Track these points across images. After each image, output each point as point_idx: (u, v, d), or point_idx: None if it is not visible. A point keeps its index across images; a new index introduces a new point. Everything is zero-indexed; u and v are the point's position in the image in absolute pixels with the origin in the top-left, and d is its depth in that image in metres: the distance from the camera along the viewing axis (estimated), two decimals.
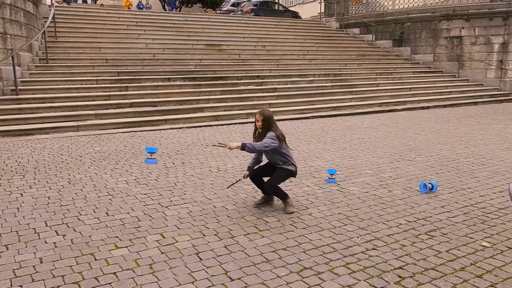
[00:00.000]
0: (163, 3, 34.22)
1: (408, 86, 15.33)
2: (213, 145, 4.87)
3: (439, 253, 3.53)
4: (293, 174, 4.65)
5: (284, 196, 4.58)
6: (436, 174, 5.93)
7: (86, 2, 33.11)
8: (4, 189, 5.12)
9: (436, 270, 3.25)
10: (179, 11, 30.61)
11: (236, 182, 5.00)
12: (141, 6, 25.82)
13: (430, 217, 4.35)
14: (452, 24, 17.58)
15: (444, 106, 13.99)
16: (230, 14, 23.56)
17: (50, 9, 13.79)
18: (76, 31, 14.11)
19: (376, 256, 3.48)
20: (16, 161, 6.46)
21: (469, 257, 3.47)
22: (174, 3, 27.48)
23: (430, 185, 5.12)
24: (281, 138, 4.49)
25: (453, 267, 3.30)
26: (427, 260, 3.41)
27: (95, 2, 31.88)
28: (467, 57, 17.33)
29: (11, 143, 7.71)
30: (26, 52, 11.01)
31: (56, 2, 18.64)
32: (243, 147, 4.37)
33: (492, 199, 4.92)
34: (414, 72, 17.25)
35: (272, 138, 4.41)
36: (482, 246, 3.68)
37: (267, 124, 4.53)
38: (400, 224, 4.16)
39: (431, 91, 15.27)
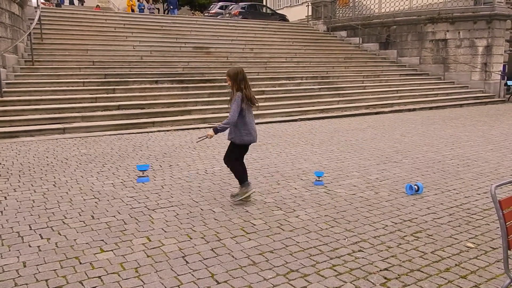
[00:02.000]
0: (165, 4, 33.19)
1: (394, 89, 15.49)
2: (197, 142, 4.91)
3: (424, 254, 3.57)
4: (244, 146, 4.57)
5: (241, 180, 4.57)
6: (422, 176, 5.99)
7: (73, 4, 32.79)
8: None
9: (421, 271, 3.28)
10: (167, 13, 30.37)
11: (205, 137, 4.69)
12: (142, 7, 25.34)
13: (416, 218, 4.39)
14: (437, 27, 17.81)
15: (430, 108, 14.16)
16: (218, 17, 23.59)
17: (36, 11, 13.63)
18: (62, 33, 13.97)
19: (362, 258, 3.50)
20: (0, 164, 6.36)
21: (454, 258, 3.51)
22: (176, 2, 26.43)
23: (416, 186, 5.17)
24: (245, 99, 4.38)
25: (438, 268, 3.34)
26: (412, 262, 3.44)
27: (82, 4, 31.58)
28: (452, 60, 17.58)
29: None
30: (11, 53, 10.87)
31: (42, 3, 18.43)
32: (216, 131, 4.39)
33: (476, 200, 4.98)
34: (401, 74, 17.43)
35: (236, 104, 4.32)
36: (467, 247, 3.73)
37: (234, 82, 4.40)
38: (386, 225, 4.19)
39: (417, 93, 15.45)
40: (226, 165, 4.74)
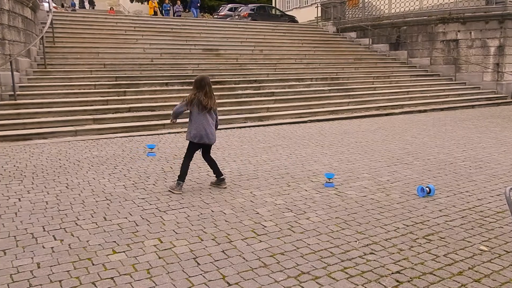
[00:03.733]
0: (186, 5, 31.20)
1: (405, 90, 15.38)
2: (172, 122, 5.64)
3: (436, 257, 3.54)
4: (192, 144, 5.25)
5: (180, 175, 5.23)
6: (433, 178, 5.94)
7: (84, 8, 33.13)
8: (2, 194, 5.11)
9: (434, 275, 3.26)
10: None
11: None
12: (168, 8, 24.95)
13: (428, 221, 4.35)
14: (448, 28, 17.66)
15: (441, 109, 14.03)
16: (227, 19, 23.62)
17: (48, 15, 13.82)
18: (74, 37, 14.12)
19: (374, 260, 3.49)
20: (14, 166, 6.45)
21: (467, 261, 3.48)
22: (197, 4, 24.94)
23: (427, 188, 5.13)
24: (191, 102, 5.10)
25: (451, 272, 3.31)
26: (425, 265, 3.42)
27: (93, 8, 31.90)
28: (464, 61, 17.41)
29: (9, 148, 7.70)
30: (24, 57, 11.02)
31: (54, 7, 18.66)
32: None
33: (489, 202, 4.93)
34: (411, 75, 17.31)
35: (180, 104, 5.23)
36: (480, 250, 3.69)
37: (193, 87, 5.20)
38: (398, 228, 4.16)
39: (428, 95, 15.33)
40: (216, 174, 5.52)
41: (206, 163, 5.56)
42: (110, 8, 28.85)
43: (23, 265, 3.34)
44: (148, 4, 25.46)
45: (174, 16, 25.04)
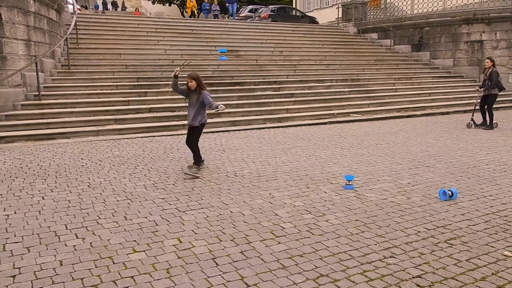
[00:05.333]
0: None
1: (427, 91, 15.13)
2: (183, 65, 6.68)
3: (459, 262, 3.47)
4: (204, 126, 6.28)
5: (198, 160, 6.16)
6: (456, 181, 5.83)
7: (107, 9, 33.64)
8: (27, 192, 5.23)
9: (456, 280, 3.19)
10: (197, 17, 29.97)
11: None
12: (207, 8, 24.50)
13: (450, 225, 4.27)
14: (472, 28, 17.32)
15: (465, 111, 13.73)
16: (247, 20, 23.67)
17: (72, 17, 14.10)
18: (97, 38, 14.38)
19: (394, 264, 3.44)
20: (38, 164, 6.60)
21: (490, 267, 3.40)
22: (235, 2, 22.99)
23: (449, 192, 5.03)
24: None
25: (473, 277, 3.24)
26: (446, 269, 3.35)
27: (116, 9, 32.36)
28: None
29: (34, 147, 7.88)
30: (49, 58, 11.27)
31: (78, 9, 19.04)
32: (208, 100, 6.03)
33: None
34: (434, 77, 17.02)
35: (210, 96, 6.01)
36: (504, 255, 3.60)
37: (200, 83, 6.04)
38: (419, 232, 4.10)
39: (451, 96, 15.06)
40: (188, 147, 6.37)
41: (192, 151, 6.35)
42: (136, 9, 29.09)
43: (46, 263, 3.42)
44: (185, 4, 25.10)
45: (212, 16, 24.48)
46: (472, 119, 10.64)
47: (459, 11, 17.87)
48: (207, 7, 24.31)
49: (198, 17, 26.20)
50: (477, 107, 10.80)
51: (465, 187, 5.54)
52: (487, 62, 10.67)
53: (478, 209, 4.74)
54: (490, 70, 10.49)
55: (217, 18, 24.01)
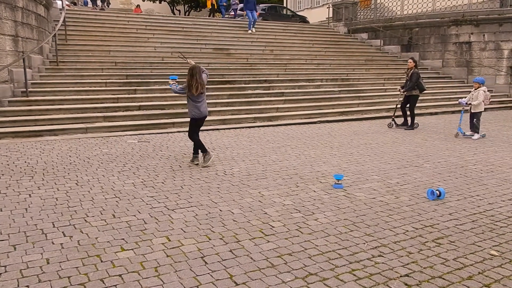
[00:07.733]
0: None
1: None
2: (179, 56, 6.79)
3: (446, 261, 3.50)
4: (195, 120, 6.47)
5: (203, 150, 6.43)
6: (444, 181, 5.88)
7: (97, 5, 33.19)
8: (13, 189, 5.16)
9: (443, 279, 3.23)
10: (188, 14, 29.46)
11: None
12: (224, 4, 23.42)
13: (438, 224, 4.31)
14: (461, 30, 17.49)
15: (453, 112, 13.89)
16: (238, 18, 23.60)
17: (61, 13, 13.93)
18: (86, 35, 14.22)
19: (382, 263, 3.46)
20: (25, 162, 6.52)
21: (477, 266, 3.44)
22: (254, 5, 18.93)
23: (437, 192, 5.08)
24: (188, 87, 6.25)
25: (460, 276, 3.27)
26: (434, 268, 3.38)
27: (108, 6, 31.90)
28: (476, 63, 17.22)
29: (21, 144, 7.78)
30: (37, 54, 11.13)
31: (67, 5, 18.81)
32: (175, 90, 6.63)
33: (501, 207, 4.87)
34: (423, 77, 17.13)
35: (181, 86, 6.48)
36: (490, 254, 3.65)
37: (188, 75, 6.29)
38: (407, 231, 4.13)
39: (439, 97, 15.19)
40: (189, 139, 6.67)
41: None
42: (137, 6, 28.37)
43: (33, 261, 3.37)
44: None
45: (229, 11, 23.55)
46: (393, 119, 10.69)
47: (448, 12, 18.03)
48: (224, 3, 23.68)
49: (219, 11, 25.47)
50: (399, 106, 10.76)
51: (452, 187, 5.60)
52: (410, 62, 10.66)
53: (466, 208, 4.79)
54: (411, 71, 10.48)
55: (236, 13, 23.36)
